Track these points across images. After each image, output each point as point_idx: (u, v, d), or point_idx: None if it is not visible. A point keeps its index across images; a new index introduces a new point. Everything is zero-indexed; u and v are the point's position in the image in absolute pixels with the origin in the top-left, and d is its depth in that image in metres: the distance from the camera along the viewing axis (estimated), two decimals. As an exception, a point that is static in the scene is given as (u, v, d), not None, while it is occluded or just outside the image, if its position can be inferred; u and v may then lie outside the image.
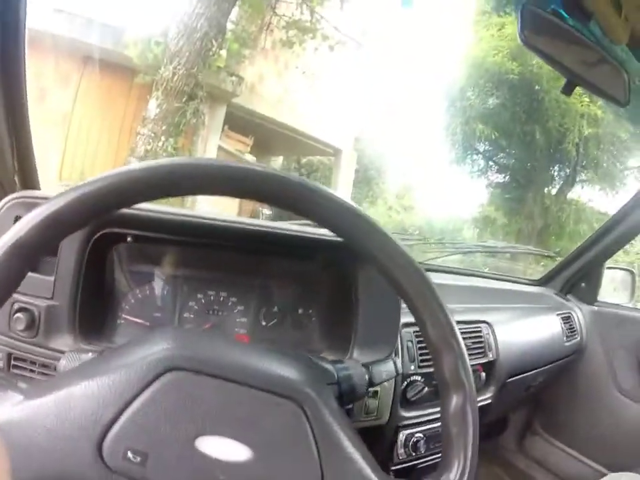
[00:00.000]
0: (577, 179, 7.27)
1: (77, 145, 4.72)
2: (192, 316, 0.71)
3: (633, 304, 1.52)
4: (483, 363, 0.95)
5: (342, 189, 7.16)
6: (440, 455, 0.81)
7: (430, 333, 0.39)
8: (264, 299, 0.73)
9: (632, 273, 1.56)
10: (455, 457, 0.38)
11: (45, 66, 4.25)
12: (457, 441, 0.38)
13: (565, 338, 1.32)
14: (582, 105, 6.48)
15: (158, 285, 0.71)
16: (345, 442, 0.36)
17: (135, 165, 0.36)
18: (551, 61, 0.70)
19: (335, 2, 5.81)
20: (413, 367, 0.78)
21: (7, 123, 0.69)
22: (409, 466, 0.81)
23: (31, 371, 0.61)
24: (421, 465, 0.82)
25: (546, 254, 1.75)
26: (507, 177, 7.79)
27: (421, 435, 0.80)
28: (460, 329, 0.95)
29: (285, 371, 0.38)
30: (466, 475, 0.38)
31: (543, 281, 1.58)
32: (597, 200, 7.18)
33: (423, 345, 0.79)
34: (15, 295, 0.59)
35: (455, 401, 0.39)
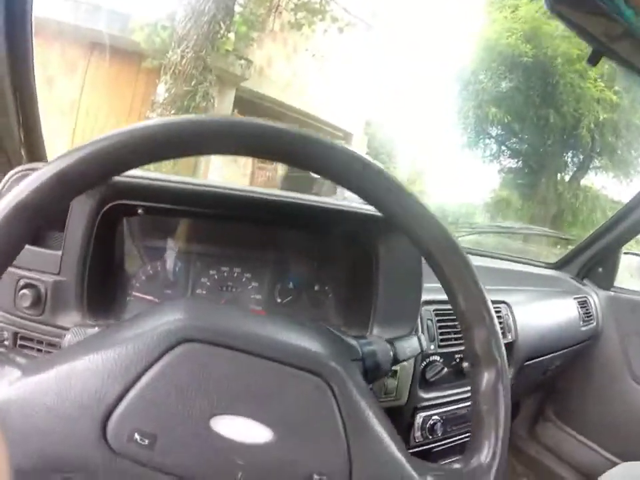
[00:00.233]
0: (591, 166, 7.15)
1: (86, 131, 4.72)
2: (205, 292, 0.69)
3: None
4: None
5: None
6: (455, 438, 0.80)
7: (461, 305, 0.37)
8: (279, 275, 0.71)
9: (648, 259, 1.53)
10: (486, 438, 0.36)
11: (52, 53, 4.24)
12: (488, 421, 0.36)
13: (581, 322, 1.30)
14: (597, 90, 6.33)
15: (169, 261, 0.69)
16: (373, 421, 0.34)
17: (145, 122, 0.33)
18: (577, 29, 0.67)
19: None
20: (432, 347, 0.76)
21: (14, 96, 0.68)
22: (425, 449, 0.79)
23: (38, 350, 0.59)
24: (437, 449, 0.81)
25: (563, 236, 1.72)
26: (520, 162, 7.67)
27: (438, 417, 0.78)
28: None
29: (308, 343, 0.36)
30: (497, 458, 0.35)
31: (559, 265, 1.56)
32: (611, 188, 7.07)
33: (443, 324, 0.78)
34: (21, 271, 0.58)
35: (486, 377, 0.37)
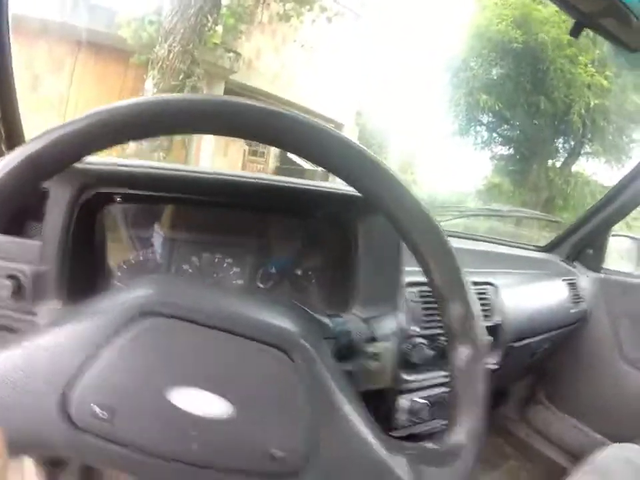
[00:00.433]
0: (582, 152, 7.18)
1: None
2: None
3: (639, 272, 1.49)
4: (489, 326, 0.93)
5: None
6: (443, 422, 0.79)
7: (436, 279, 0.36)
8: (261, 260, 0.70)
9: (638, 240, 1.53)
10: (462, 416, 0.35)
11: (38, 51, 4.19)
12: (465, 397, 0.35)
13: (570, 304, 1.30)
14: (588, 75, 6.34)
15: (150, 249, 0.68)
16: (341, 399, 0.33)
17: (115, 103, 0.33)
18: (560, 2, 0.66)
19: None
20: (417, 329, 0.75)
21: None
22: (410, 433, 0.78)
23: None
24: (423, 433, 0.80)
25: (552, 219, 1.72)
26: (511, 149, 7.70)
27: (423, 400, 0.78)
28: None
29: (276, 319, 0.35)
30: (474, 436, 0.35)
31: (549, 248, 1.55)
32: (602, 173, 7.10)
33: (428, 305, 0.77)
34: (1, 262, 0.57)
35: (462, 352, 0.36)
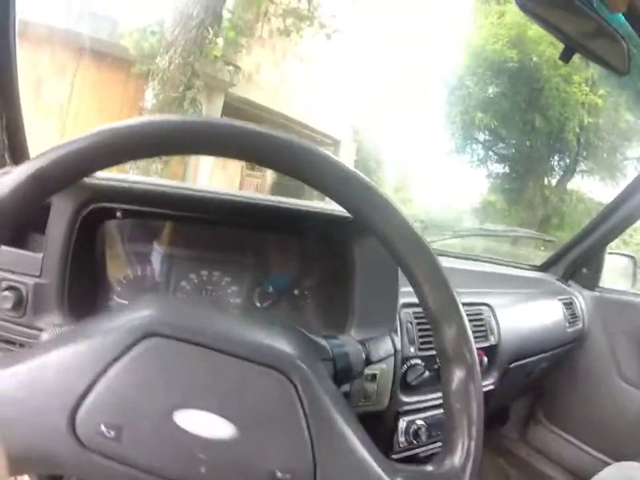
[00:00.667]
0: (577, 169, 7.25)
1: (74, 136, 4.67)
2: (185, 296, 0.69)
3: (635, 290, 1.50)
4: (485, 347, 0.93)
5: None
6: (441, 443, 0.79)
7: (429, 303, 0.36)
8: (258, 279, 0.71)
9: (633, 258, 1.54)
10: (459, 439, 0.35)
11: (41, 57, 4.21)
12: (460, 420, 0.36)
13: (567, 324, 1.30)
14: (582, 94, 6.44)
15: (149, 265, 0.69)
16: (340, 421, 0.33)
17: (128, 120, 0.34)
18: (549, 27, 0.68)
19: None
20: (413, 350, 0.75)
21: None
22: (410, 455, 0.78)
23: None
24: (423, 454, 0.80)
25: (546, 238, 1.73)
26: (507, 167, 7.77)
27: (422, 422, 0.78)
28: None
29: (275, 341, 0.35)
30: (471, 458, 0.35)
31: (545, 267, 1.56)
32: (597, 191, 7.17)
33: (424, 326, 0.77)
34: (2, 273, 0.58)
35: (457, 375, 0.36)
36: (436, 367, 0.78)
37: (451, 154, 7.80)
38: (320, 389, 0.34)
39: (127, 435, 0.30)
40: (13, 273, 0.58)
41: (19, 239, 0.60)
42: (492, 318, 0.98)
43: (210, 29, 4.54)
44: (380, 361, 0.55)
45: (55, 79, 4.50)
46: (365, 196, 0.36)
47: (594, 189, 7.19)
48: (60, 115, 4.59)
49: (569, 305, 1.35)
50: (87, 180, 0.57)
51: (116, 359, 0.31)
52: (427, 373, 0.75)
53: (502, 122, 6.93)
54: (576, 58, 0.73)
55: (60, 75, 4.57)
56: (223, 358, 0.32)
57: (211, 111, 5.28)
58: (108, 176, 0.60)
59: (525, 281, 1.43)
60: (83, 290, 0.61)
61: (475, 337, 0.93)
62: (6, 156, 0.72)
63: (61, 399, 0.30)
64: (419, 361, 0.76)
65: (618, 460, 0.98)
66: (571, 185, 7.31)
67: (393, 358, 0.67)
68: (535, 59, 6.34)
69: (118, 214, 0.62)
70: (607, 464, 0.96)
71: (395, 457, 0.76)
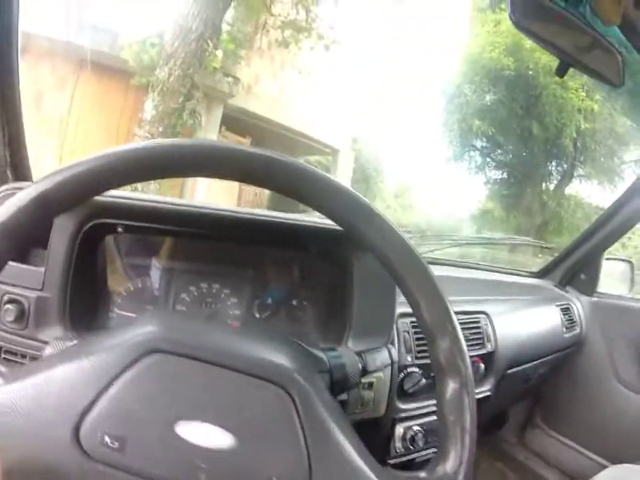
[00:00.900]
0: (575, 174, 7.28)
1: (74, 148, 4.71)
2: (185, 309, 0.70)
3: (632, 295, 1.51)
4: (482, 355, 0.94)
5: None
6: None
7: (424, 316, 0.38)
8: (257, 291, 0.72)
9: (630, 263, 1.54)
10: (452, 447, 0.36)
11: (40, 70, 4.24)
12: (454, 430, 0.37)
13: (564, 329, 1.31)
14: (579, 100, 6.48)
15: (150, 278, 0.70)
16: (335, 431, 0.34)
17: (127, 145, 0.35)
18: (544, 43, 0.69)
19: (330, 0, 5.81)
20: (409, 358, 0.76)
21: None
22: (407, 460, 0.79)
23: (22, 364, 0.60)
24: (420, 459, 0.80)
25: (544, 245, 1.74)
26: (505, 173, 7.80)
27: (419, 428, 0.78)
28: (458, 319, 0.93)
29: (273, 355, 0.37)
30: (463, 466, 0.36)
31: (542, 273, 1.57)
32: (596, 195, 7.19)
33: (420, 335, 0.78)
34: (5, 287, 0.59)
35: (451, 387, 0.37)
36: (432, 374, 0.79)
37: (450, 161, 7.84)
38: (316, 401, 0.35)
39: (131, 446, 0.31)
40: (15, 286, 0.59)
41: (21, 253, 0.61)
42: (489, 325, 0.99)
43: (209, 41, 4.59)
44: (377, 371, 0.56)
45: (55, 92, 4.54)
46: (358, 212, 0.38)
47: (592, 194, 7.22)
48: (60, 127, 4.63)
49: (566, 311, 1.36)
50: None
51: (119, 375, 0.32)
52: (423, 381, 0.76)
53: (499, 129, 6.97)
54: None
55: (60, 87, 4.61)
56: (223, 372, 0.34)
57: (211, 121, 5.32)
58: (108, 193, 0.62)
59: (522, 287, 1.44)
60: (84, 303, 0.63)
61: (472, 345, 0.95)
62: (8, 172, 0.73)
63: (66, 412, 0.31)
64: (415, 369, 0.77)
65: (616, 463, 0.98)
66: (569, 190, 7.33)
67: (389, 366, 0.68)
68: (531, 66, 6.39)
69: (119, 229, 0.64)
70: (605, 467, 0.97)
71: (392, 462, 0.77)
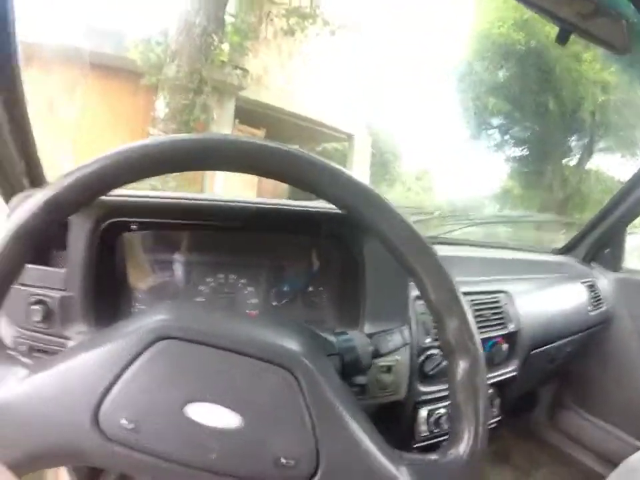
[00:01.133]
0: (596, 148, 7.08)
1: (89, 152, 4.75)
2: (204, 300, 0.71)
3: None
4: (504, 335, 0.92)
5: (357, 174, 7.09)
6: None
7: (431, 298, 0.38)
8: (274, 279, 0.73)
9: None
10: (464, 429, 0.36)
11: (50, 78, 4.30)
12: (465, 411, 0.37)
13: (590, 307, 1.28)
14: (594, 72, 6.28)
15: (168, 272, 0.72)
16: (342, 413, 0.35)
17: (132, 143, 0.37)
18: (543, 12, 0.66)
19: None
20: (428, 340, 0.76)
21: (9, 125, 0.70)
22: (432, 443, 0.79)
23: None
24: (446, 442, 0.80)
25: (566, 221, 1.69)
26: (524, 150, 7.64)
27: (443, 410, 0.78)
28: (476, 299, 0.92)
29: (280, 339, 0.37)
30: (477, 446, 0.36)
31: (565, 250, 1.52)
32: (618, 169, 6.99)
33: None
34: (31, 289, 0.62)
35: (461, 367, 0.37)
36: None
37: (468, 141, 7.72)
38: (323, 383, 0.35)
39: (145, 427, 0.33)
40: (40, 287, 0.62)
41: (42, 256, 0.64)
42: (510, 305, 0.97)
43: (214, 35, 4.59)
44: (389, 353, 0.56)
45: (66, 97, 4.60)
46: (361, 197, 0.38)
47: (614, 167, 7.02)
48: (74, 131, 4.70)
49: (591, 288, 1.32)
50: (102, 197, 0.60)
51: (132, 361, 0.34)
52: (444, 363, 0.75)
53: (515, 106, 6.82)
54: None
55: (70, 92, 4.67)
56: (231, 356, 0.35)
57: (223, 115, 5.33)
58: (122, 192, 0.64)
59: (545, 265, 1.40)
60: (106, 299, 0.65)
61: (493, 325, 0.93)
62: (25, 181, 0.76)
63: (85, 397, 0.33)
64: (435, 351, 0.76)
65: None
66: (590, 165, 7.14)
67: (407, 349, 0.68)
68: (542, 40, 6.20)
69: (133, 226, 0.66)
70: (638, 448, 0.94)
71: (417, 446, 0.77)
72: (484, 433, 0.36)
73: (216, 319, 0.40)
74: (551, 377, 1.50)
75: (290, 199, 0.83)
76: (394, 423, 0.74)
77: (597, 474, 1.37)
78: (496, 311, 0.93)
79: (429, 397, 0.76)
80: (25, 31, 0.70)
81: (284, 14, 5.58)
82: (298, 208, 0.69)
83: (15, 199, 0.65)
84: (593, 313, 1.28)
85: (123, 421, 0.33)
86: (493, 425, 0.89)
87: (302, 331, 0.43)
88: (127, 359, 0.34)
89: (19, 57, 0.68)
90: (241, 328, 0.39)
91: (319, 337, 0.48)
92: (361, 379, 0.56)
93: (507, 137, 7.69)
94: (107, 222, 0.63)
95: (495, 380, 0.90)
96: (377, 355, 0.53)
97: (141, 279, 0.71)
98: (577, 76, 6.29)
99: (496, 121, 7.53)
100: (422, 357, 0.75)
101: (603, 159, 7.15)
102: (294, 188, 0.40)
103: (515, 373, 0.95)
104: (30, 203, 0.35)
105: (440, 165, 9.52)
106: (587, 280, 1.33)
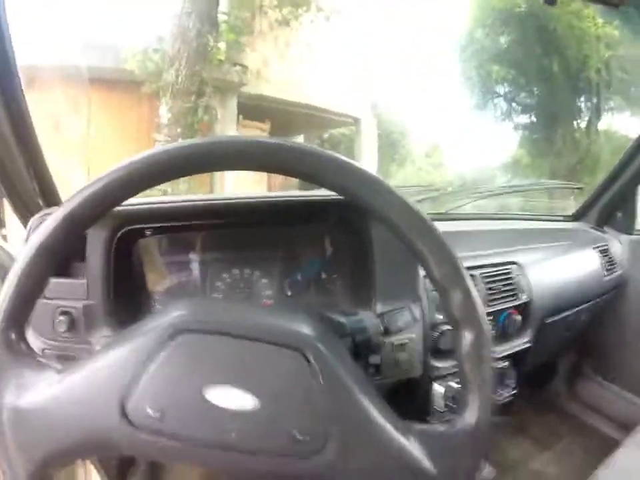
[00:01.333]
0: (605, 108, 6.84)
1: (99, 165, 4.82)
2: (220, 296, 0.75)
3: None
4: (517, 305, 0.94)
5: (366, 157, 7.12)
6: None
7: (435, 274, 0.39)
8: (287, 270, 0.76)
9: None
10: (471, 400, 0.38)
11: (52, 97, 4.36)
12: (472, 382, 0.38)
13: (604, 272, 1.27)
14: (596, 28, 6.06)
15: (184, 272, 0.75)
16: (353, 389, 0.37)
17: (139, 154, 0.39)
18: None
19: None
20: (441, 316, 0.77)
21: (18, 147, 0.73)
22: (450, 418, 0.80)
23: None
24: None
25: (574, 186, 1.65)
26: (533, 116, 7.41)
27: (458, 385, 0.79)
28: (487, 272, 0.92)
29: (293, 324, 0.39)
30: (482, 418, 0.37)
31: (577, 215, 1.50)
32: (630, 128, 6.74)
33: None
34: (55, 301, 0.66)
35: (467, 339, 0.38)
36: None
37: (474, 112, 7.54)
38: (334, 363, 0.37)
39: (169, 414, 0.35)
40: (64, 299, 0.66)
41: (63, 269, 0.67)
42: (521, 275, 0.98)
43: (209, 35, 4.58)
44: (400, 331, 0.58)
45: (70, 115, 4.66)
46: (358, 181, 0.39)
47: (626, 126, 6.77)
48: (83, 147, 4.76)
49: (604, 252, 1.31)
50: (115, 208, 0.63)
51: (154, 355, 0.36)
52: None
53: (519, 71, 6.64)
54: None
55: (74, 109, 4.73)
56: (246, 343, 0.37)
57: (227, 113, 5.34)
58: (133, 201, 0.66)
59: (558, 233, 1.38)
60: (127, 304, 0.68)
61: (505, 297, 0.94)
62: (40, 201, 0.79)
63: (113, 393, 0.36)
64: (448, 327, 0.77)
65: None
66: (601, 125, 6.90)
67: (420, 327, 0.70)
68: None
69: (147, 232, 0.69)
70: None
71: (434, 420, 0.78)
72: (489, 403, 0.37)
73: (230, 311, 0.42)
74: (569, 347, 1.49)
75: (300, 189, 0.86)
76: (410, 398, 0.76)
77: (618, 442, 1.36)
78: (508, 282, 0.94)
79: (444, 372, 0.78)
80: (23, 54, 0.72)
81: (276, 5, 5.52)
82: (305, 198, 0.71)
83: (33, 220, 0.69)
84: (607, 278, 1.27)
85: (149, 411, 0.35)
86: (509, 398, 0.90)
87: (313, 315, 0.45)
88: (149, 354, 0.36)
89: (20, 81, 0.70)
90: (254, 316, 0.41)
91: (331, 319, 0.50)
92: (375, 359, 0.58)
93: (513, 104, 7.48)
94: (122, 230, 0.66)
95: (510, 352, 0.91)
96: (387, 332, 0.55)
97: (158, 281, 0.75)
98: (580, 33, 6.07)
99: (501, 89, 7.33)
100: (436, 333, 0.77)
101: (613, 119, 6.91)
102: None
103: (529, 344, 0.96)
104: (49, 220, 0.38)
105: (448, 140, 9.33)
106: (600, 245, 1.32)
